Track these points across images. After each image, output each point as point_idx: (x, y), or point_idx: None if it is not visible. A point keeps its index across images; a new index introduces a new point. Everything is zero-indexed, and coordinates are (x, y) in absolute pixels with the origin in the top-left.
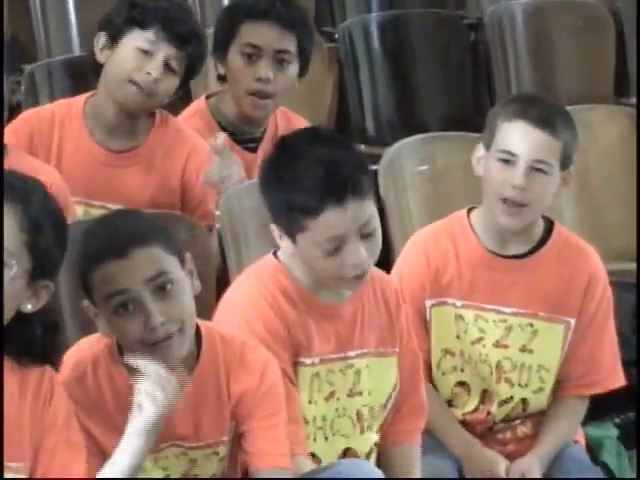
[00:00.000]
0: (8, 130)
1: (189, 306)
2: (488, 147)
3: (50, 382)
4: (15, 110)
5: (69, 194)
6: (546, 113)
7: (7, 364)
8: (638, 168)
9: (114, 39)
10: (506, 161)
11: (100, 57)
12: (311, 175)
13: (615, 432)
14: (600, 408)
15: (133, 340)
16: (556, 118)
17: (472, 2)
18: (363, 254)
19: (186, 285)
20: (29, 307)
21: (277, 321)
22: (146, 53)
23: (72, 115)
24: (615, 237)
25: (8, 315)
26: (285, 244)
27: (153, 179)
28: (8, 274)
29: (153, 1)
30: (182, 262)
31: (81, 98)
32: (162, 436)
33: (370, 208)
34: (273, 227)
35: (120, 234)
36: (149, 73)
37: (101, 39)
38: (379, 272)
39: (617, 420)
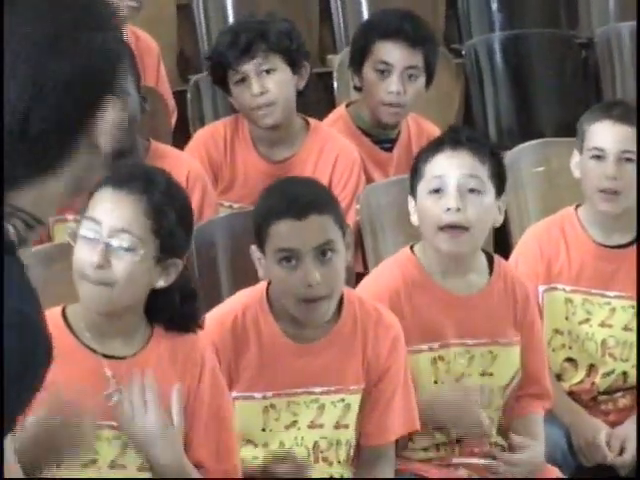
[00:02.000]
0: (188, 150)
1: (341, 275)
2: (580, 151)
3: (201, 353)
4: (182, 117)
5: (208, 182)
6: (625, 110)
7: (158, 332)
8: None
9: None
10: (597, 157)
11: None
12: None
13: None
14: None
15: (288, 292)
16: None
17: (584, 23)
18: (458, 203)
19: (342, 255)
20: (161, 283)
21: (397, 307)
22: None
23: (239, 131)
24: None
25: (141, 293)
26: (413, 215)
27: None
28: (135, 257)
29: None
30: (343, 234)
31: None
32: (295, 382)
33: (483, 172)
34: (410, 198)
35: (302, 197)
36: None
37: None
38: (512, 269)
39: None
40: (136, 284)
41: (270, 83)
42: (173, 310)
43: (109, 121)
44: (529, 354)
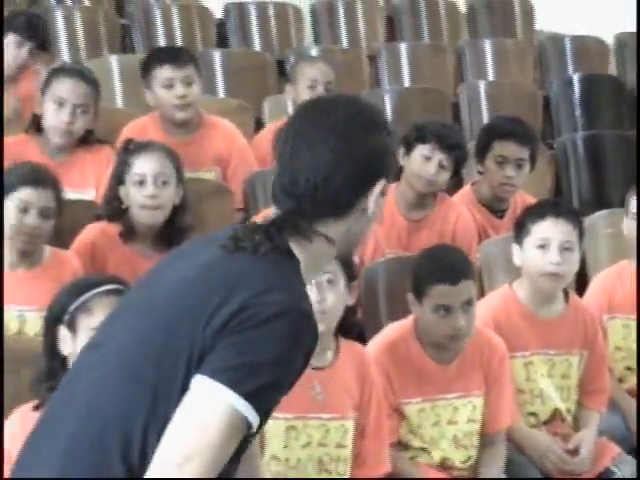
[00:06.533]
0: None
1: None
2: (520, 243)
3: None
4: None
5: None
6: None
7: None
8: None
9: (406, 152)
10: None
11: (401, 161)
12: None
13: None
14: None
15: (440, 332)
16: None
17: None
18: (559, 259)
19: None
20: None
21: (499, 327)
22: (427, 159)
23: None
24: None
25: None
26: (516, 257)
27: (436, 237)
28: None
29: (432, 124)
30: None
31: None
32: (437, 390)
33: (574, 235)
34: (514, 244)
35: (455, 266)
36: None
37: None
38: (581, 300)
39: None
40: None
41: None
42: None
43: (378, 195)
44: (592, 363)
